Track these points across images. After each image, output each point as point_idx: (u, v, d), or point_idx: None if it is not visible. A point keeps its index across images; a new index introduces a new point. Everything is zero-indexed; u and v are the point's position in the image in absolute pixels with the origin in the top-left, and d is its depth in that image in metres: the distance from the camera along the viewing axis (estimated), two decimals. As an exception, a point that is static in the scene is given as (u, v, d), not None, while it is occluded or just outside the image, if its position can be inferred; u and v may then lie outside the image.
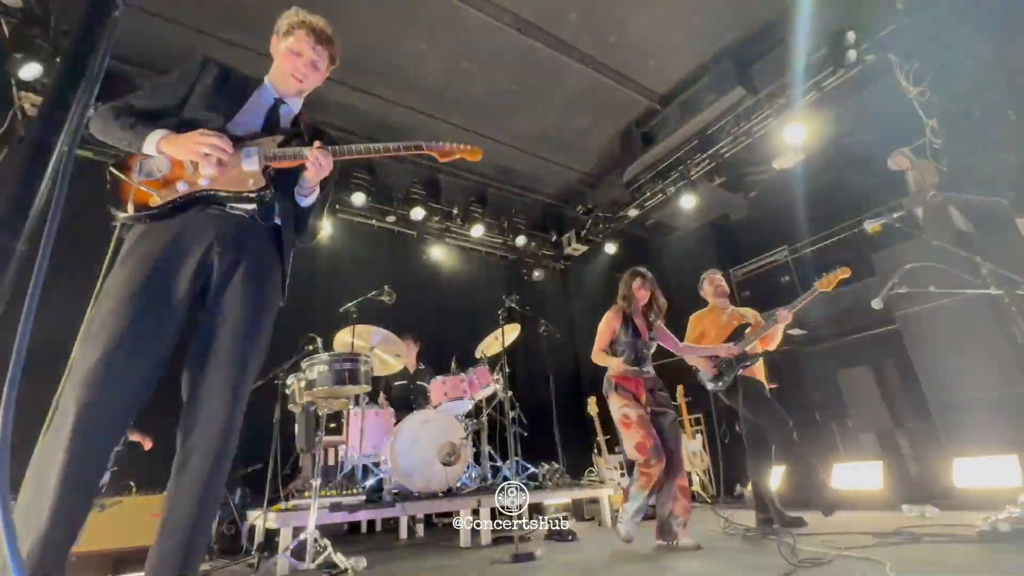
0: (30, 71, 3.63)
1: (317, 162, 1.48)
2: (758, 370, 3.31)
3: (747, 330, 3.25)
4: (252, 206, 1.45)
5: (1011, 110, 2.97)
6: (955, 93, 3.26)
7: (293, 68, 1.59)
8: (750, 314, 3.44)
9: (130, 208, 1.32)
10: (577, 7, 4.25)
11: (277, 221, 1.51)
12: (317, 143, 1.50)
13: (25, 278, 0.49)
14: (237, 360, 1.37)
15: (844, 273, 3.10)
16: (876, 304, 2.32)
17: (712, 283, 3.54)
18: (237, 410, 1.36)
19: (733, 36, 4.54)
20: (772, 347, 3.29)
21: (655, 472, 2.59)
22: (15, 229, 0.40)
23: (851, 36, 3.72)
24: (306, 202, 1.60)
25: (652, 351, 2.96)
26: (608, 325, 2.92)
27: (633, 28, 4.43)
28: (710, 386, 3.31)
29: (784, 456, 3.30)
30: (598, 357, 2.93)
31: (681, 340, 3.23)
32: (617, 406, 2.75)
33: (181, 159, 1.37)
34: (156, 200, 1.34)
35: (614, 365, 2.85)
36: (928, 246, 3.21)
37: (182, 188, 1.37)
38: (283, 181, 1.52)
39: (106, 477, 3.29)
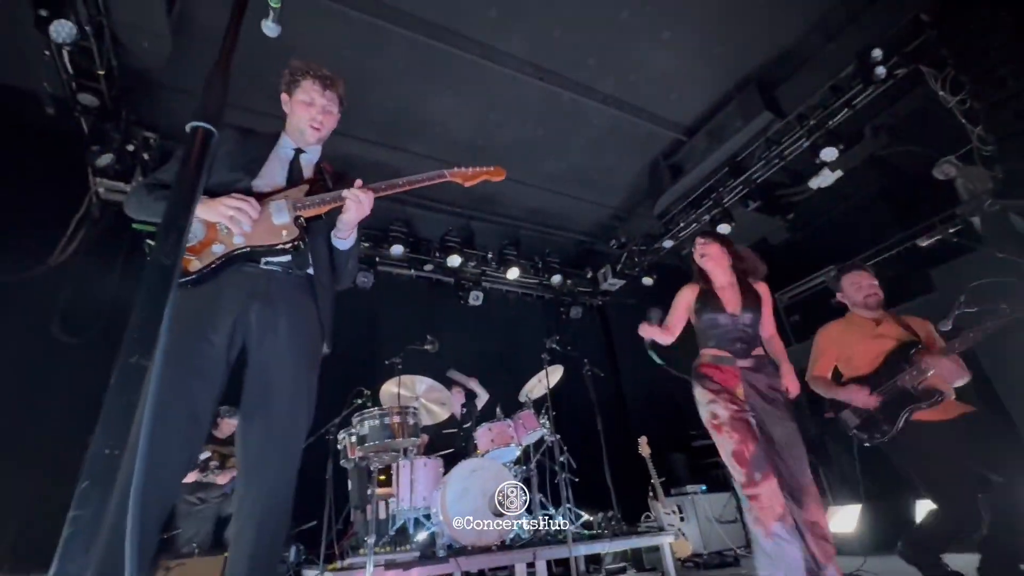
0: (104, 160, 4.03)
1: (357, 200, 1.48)
2: (947, 408, 2.20)
3: (914, 351, 2.24)
4: (286, 258, 1.47)
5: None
6: (999, 97, 3.13)
7: (310, 118, 1.62)
8: (918, 325, 2.38)
9: None
10: (595, 52, 4.39)
11: (310, 271, 1.52)
12: (358, 181, 1.52)
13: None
14: (285, 417, 1.37)
15: None
16: (944, 327, 2.19)
17: (856, 284, 2.49)
18: (289, 468, 1.36)
19: (755, 62, 4.56)
20: (964, 379, 2.22)
21: (766, 494, 1.83)
22: (148, 350, 0.44)
23: (877, 53, 3.66)
24: (345, 244, 1.61)
25: (755, 329, 2.16)
26: (680, 300, 2.25)
27: (652, 65, 4.53)
28: (862, 438, 2.33)
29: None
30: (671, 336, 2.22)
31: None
32: (703, 402, 2.10)
33: (213, 222, 1.39)
34: (195, 265, 1.37)
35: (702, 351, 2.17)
36: (992, 257, 3.03)
37: (218, 250, 1.39)
38: (315, 229, 1.54)
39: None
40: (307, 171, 1.64)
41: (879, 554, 3.41)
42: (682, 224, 5.77)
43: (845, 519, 4.01)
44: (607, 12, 3.99)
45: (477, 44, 4.21)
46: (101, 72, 3.58)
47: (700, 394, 2.12)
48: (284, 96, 1.68)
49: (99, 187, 4.35)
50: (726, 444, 1.98)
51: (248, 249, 1.42)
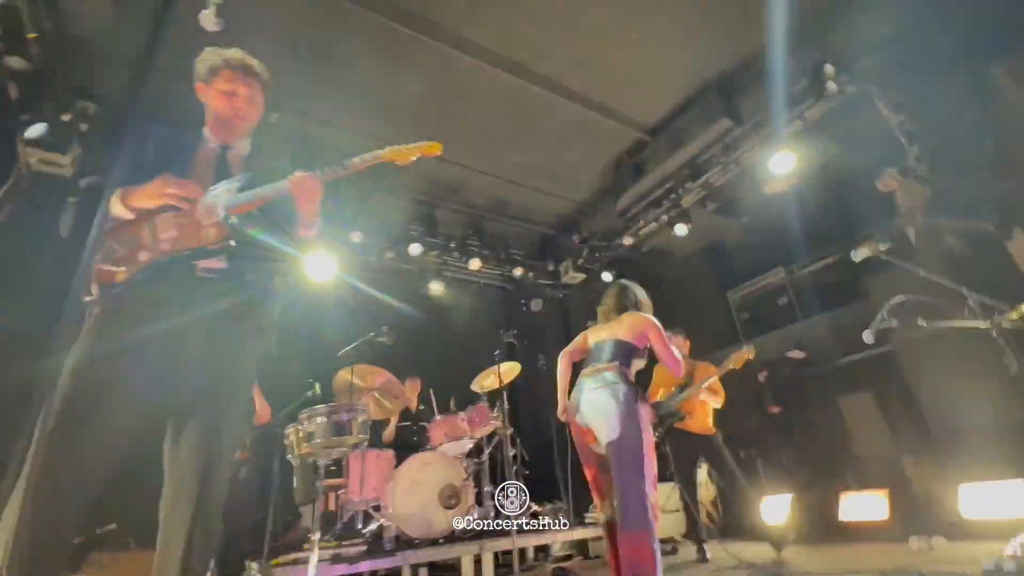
0: (36, 130, 3.74)
1: (302, 185, 1.43)
2: (696, 422, 3.65)
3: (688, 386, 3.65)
4: (219, 261, 1.42)
5: (988, 136, 3.03)
6: (934, 120, 3.34)
7: (233, 110, 1.54)
8: (701, 368, 3.75)
9: (95, 289, 1.31)
10: (562, 47, 4.38)
11: (247, 274, 1.47)
12: (298, 172, 1.45)
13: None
14: (213, 421, 1.35)
15: (749, 354, 3.47)
16: (867, 338, 2.34)
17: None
18: (212, 476, 1.33)
19: (717, 69, 4.67)
20: (706, 407, 3.65)
21: None
22: None
23: (829, 68, 3.82)
24: (311, 232, 1.56)
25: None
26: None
27: (618, 64, 4.56)
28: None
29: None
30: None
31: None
32: (646, 425, 2.14)
33: (148, 206, 1.34)
34: (122, 276, 1.33)
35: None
36: (919, 275, 3.24)
37: (144, 258, 1.34)
38: (251, 228, 1.46)
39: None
40: (236, 167, 1.56)
41: (808, 543, 3.65)
42: (642, 222, 5.88)
43: (777, 508, 4.27)
44: (576, 9, 3.98)
45: (444, 31, 4.12)
46: (31, 35, 3.30)
47: (647, 413, 2.17)
48: (200, 86, 1.57)
49: (30, 157, 4.05)
50: (654, 466, 2.08)
51: (176, 253, 1.37)
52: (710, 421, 3.70)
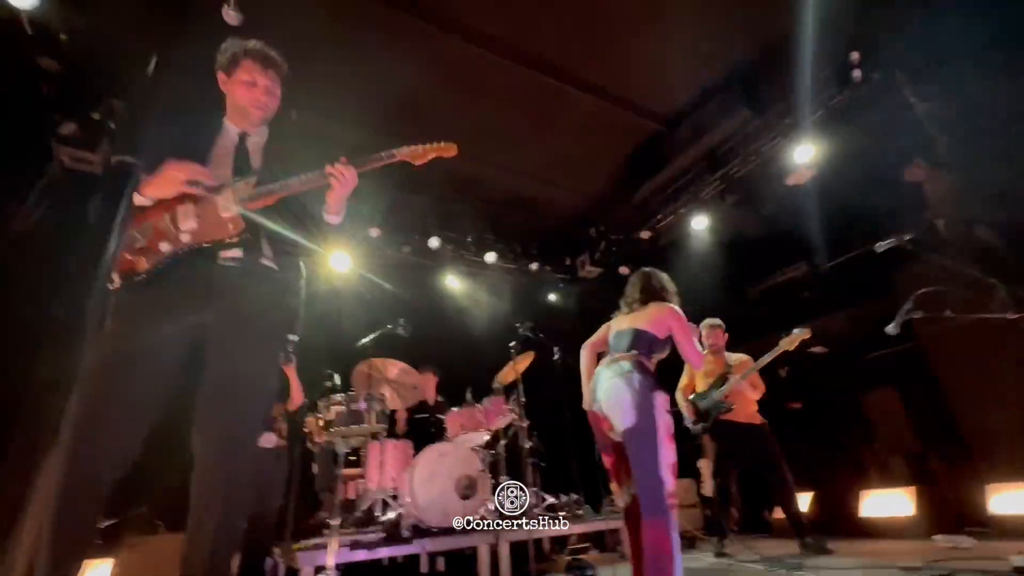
0: (68, 128, 3.87)
1: (342, 176, 1.50)
2: (743, 412, 3.59)
3: (729, 377, 3.59)
4: (239, 252, 1.44)
5: (1019, 125, 2.92)
6: (964, 109, 3.22)
7: (253, 100, 1.57)
8: (736, 361, 3.74)
9: (117, 278, 1.36)
10: (580, 38, 4.35)
11: (265, 261, 1.49)
12: (343, 159, 1.51)
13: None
14: (236, 410, 1.38)
15: (805, 334, 3.41)
16: (891, 330, 2.29)
17: (707, 335, 3.82)
18: (239, 460, 1.37)
19: (738, 59, 4.58)
20: (749, 397, 3.61)
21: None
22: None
23: (855, 56, 3.71)
24: (338, 220, 1.60)
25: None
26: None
27: (637, 55, 4.51)
28: (691, 429, 3.73)
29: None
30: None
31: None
32: (663, 410, 2.07)
33: (164, 195, 1.38)
34: (144, 265, 1.36)
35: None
36: (946, 267, 3.15)
37: (165, 248, 1.37)
38: (271, 217, 1.50)
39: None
40: (255, 156, 1.58)
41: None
42: (660, 215, 5.83)
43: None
44: (593, -1, 3.95)
45: (458, 23, 4.13)
46: (63, 36, 3.41)
47: (663, 401, 2.10)
48: (221, 76, 1.60)
49: (62, 156, 4.19)
50: (671, 454, 2.01)
51: (196, 246, 1.39)
52: (754, 409, 3.64)
